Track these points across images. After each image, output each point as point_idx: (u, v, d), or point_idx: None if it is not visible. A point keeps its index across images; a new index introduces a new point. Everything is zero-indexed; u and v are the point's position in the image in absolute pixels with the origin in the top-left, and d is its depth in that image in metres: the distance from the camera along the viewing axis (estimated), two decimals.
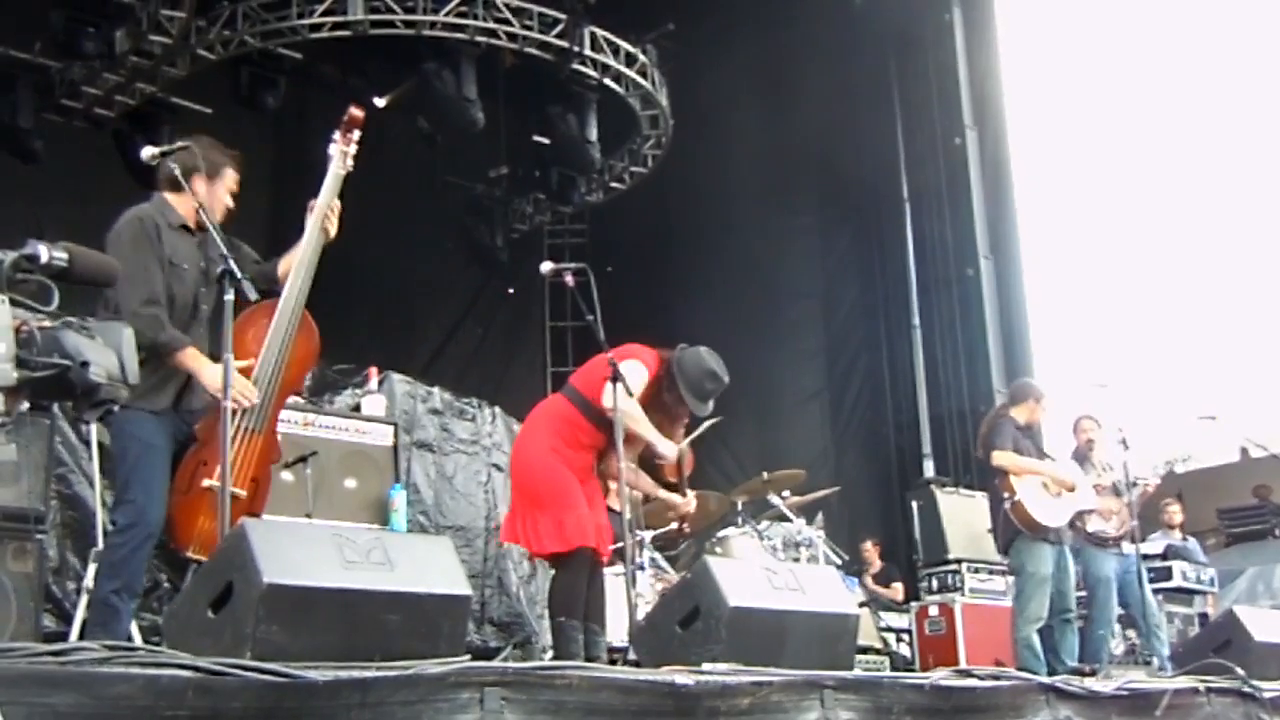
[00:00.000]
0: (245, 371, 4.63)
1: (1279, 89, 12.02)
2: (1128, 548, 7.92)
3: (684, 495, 5.70)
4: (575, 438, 5.31)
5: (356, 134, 4.87)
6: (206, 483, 4.58)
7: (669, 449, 5.37)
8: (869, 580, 10.44)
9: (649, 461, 5.59)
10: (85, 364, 3.06)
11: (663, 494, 5.74)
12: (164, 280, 4.61)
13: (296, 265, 4.83)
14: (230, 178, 4.83)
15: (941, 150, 12.54)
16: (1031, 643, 7.21)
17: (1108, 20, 12.88)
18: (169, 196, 4.75)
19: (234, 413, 4.48)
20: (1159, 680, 5.21)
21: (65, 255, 3.14)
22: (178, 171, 4.62)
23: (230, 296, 4.31)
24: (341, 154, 4.87)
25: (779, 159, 12.99)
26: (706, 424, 5.99)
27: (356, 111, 4.86)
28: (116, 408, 3.95)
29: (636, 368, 5.27)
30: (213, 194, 4.77)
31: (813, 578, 4.49)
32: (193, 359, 4.58)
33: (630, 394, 5.14)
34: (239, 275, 4.30)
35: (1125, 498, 7.75)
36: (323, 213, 4.84)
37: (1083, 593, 7.91)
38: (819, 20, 12.62)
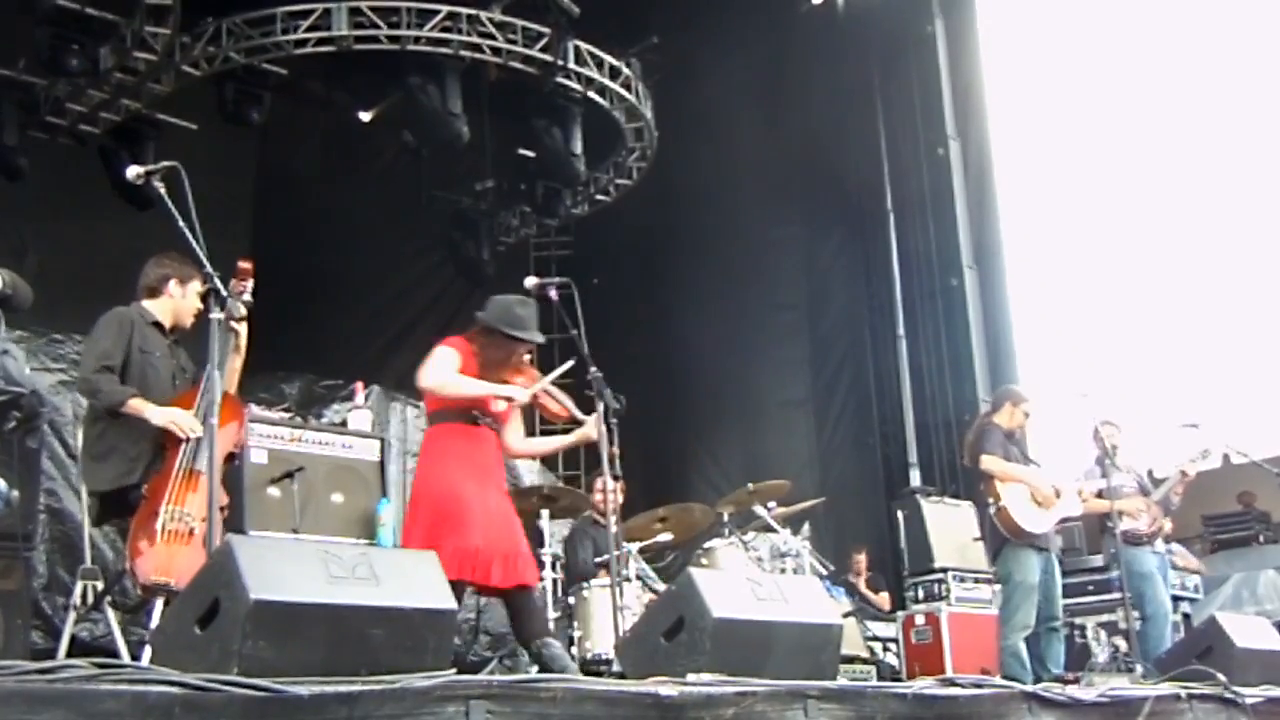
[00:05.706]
0: (186, 402, 4.97)
1: (1261, 102, 12.07)
2: (1160, 545, 8.05)
3: (583, 422, 5.48)
4: (457, 435, 5.35)
5: (250, 283, 4.87)
6: (159, 524, 4.73)
7: (517, 392, 5.38)
8: (860, 588, 10.46)
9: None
10: (34, 391, 3.09)
11: (569, 439, 5.64)
12: (124, 356, 5.04)
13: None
14: (197, 286, 5.22)
15: (925, 161, 12.58)
16: (1018, 651, 7.24)
17: (1091, 31, 12.93)
18: (145, 302, 5.25)
19: (180, 447, 4.85)
20: (1141, 687, 5.23)
21: (13, 283, 3.17)
22: (154, 281, 5.24)
23: (217, 314, 4.37)
24: (237, 295, 4.74)
25: (764, 170, 13.03)
26: (566, 365, 5.60)
27: (245, 264, 4.89)
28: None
29: (438, 350, 5.34)
30: (185, 299, 5.28)
31: (797, 588, 4.51)
32: (139, 406, 4.93)
33: (454, 378, 5.25)
34: (224, 293, 4.37)
35: (1152, 496, 7.99)
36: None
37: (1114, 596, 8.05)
38: (802, 32, 12.68)
